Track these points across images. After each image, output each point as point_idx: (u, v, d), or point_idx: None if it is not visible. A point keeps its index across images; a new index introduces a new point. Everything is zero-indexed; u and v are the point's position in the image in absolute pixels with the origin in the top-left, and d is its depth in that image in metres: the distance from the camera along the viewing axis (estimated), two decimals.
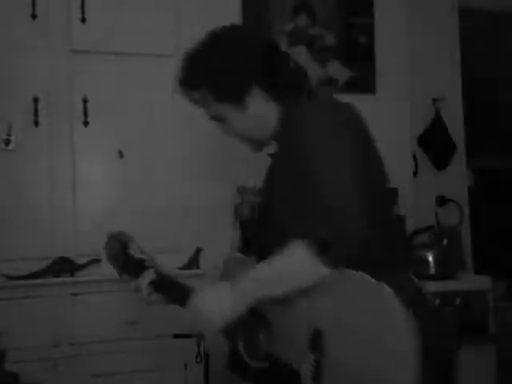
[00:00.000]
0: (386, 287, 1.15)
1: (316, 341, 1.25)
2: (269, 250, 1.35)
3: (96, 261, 2.66)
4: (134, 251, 1.82)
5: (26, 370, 2.26)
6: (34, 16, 2.64)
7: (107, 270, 2.69)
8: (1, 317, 2.41)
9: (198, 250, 2.81)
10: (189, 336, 2.70)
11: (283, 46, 3.06)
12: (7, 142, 2.60)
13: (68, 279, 2.59)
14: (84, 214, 2.70)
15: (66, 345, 2.55)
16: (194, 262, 2.80)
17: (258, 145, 1.61)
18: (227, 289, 1.40)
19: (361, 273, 1.19)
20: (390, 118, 3.20)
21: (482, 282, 2.99)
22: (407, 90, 3.25)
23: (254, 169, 2.97)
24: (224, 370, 2.84)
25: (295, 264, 1.27)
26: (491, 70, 3.76)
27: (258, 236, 1.62)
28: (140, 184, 2.78)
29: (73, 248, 2.65)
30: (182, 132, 2.85)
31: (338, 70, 3.14)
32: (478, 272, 3.39)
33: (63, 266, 2.60)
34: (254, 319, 1.45)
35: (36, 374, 2.40)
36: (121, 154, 2.75)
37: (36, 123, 2.64)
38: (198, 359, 2.72)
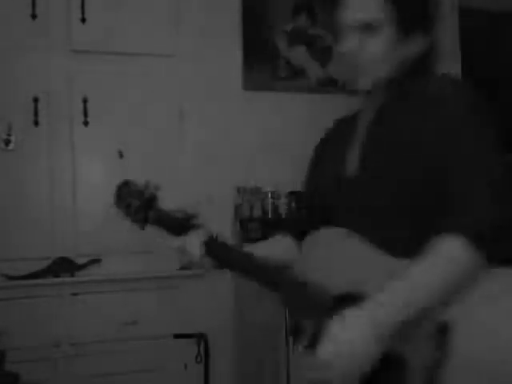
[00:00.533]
0: None
1: (440, 334, 1.08)
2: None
3: (96, 261, 2.67)
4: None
5: (26, 370, 2.26)
6: (33, 16, 2.64)
7: (107, 269, 2.70)
8: (1, 317, 2.41)
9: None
10: (189, 336, 2.71)
11: (283, 45, 3.06)
12: (7, 142, 2.60)
13: (68, 279, 2.59)
14: (84, 214, 2.70)
15: (66, 345, 2.55)
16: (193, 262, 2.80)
17: (370, 80, 1.34)
18: (373, 316, 1.07)
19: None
20: None
21: None
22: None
23: (254, 169, 2.98)
24: (225, 370, 2.84)
25: (459, 266, 1.07)
26: (491, 70, 3.76)
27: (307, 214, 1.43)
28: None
29: (73, 248, 2.65)
30: (182, 132, 2.85)
31: (338, 70, 3.14)
32: None
33: (63, 266, 2.60)
34: None
35: (36, 374, 2.40)
36: (121, 154, 2.75)
37: (36, 123, 2.64)
38: (198, 359, 2.73)
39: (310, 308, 1.19)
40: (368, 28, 1.26)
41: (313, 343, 1.12)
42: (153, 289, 2.71)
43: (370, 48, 1.27)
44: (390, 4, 1.25)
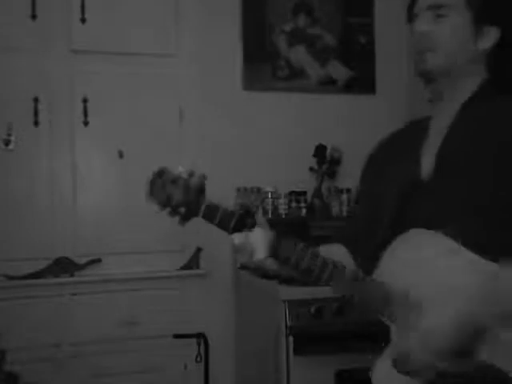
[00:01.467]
0: None
1: None
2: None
3: (96, 261, 2.67)
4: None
5: (26, 370, 2.26)
6: (33, 16, 2.64)
7: (107, 269, 2.69)
8: (1, 317, 2.41)
9: (198, 250, 2.81)
10: (189, 336, 2.71)
11: (283, 45, 3.06)
12: (7, 142, 2.60)
13: (68, 279, 2.60)
14: (84, 214, 2.70)
15: (66, 345, 2.55)
16: (194, 262, 2.80)
17: (442, 68, 1.28)
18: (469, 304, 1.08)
19: None
20: (390, 117, 3.19)
21: None
22: (407, 89, 3.25)
23: (254, 169, 2.98)
24: (225, 370, 2.84)
25: None
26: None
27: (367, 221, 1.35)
28: (140, 184, 2.77)
29: (73, 248, 2.65)
30: (182, 132, 2.85)
31: (338, 70, 3.14)
32: None
33: (63, 266, 2.60)
34: None
35: (36, 374, 2.40)
36: (121, 154, 2.75)
37: (36, 123, 2.64)
38: (198, 359, 2.73)
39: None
40: (440, 10, 1.24)
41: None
42: (153, 289, 2.71)
43: (441, 30, 1.24)
44: None
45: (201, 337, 2.73)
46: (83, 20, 2.70)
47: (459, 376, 1.11)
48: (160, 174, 1.36)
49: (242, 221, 1.30)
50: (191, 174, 1.33)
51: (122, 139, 2.76)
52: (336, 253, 1.32)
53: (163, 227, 2.77)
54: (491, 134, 1.18)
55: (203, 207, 1.32)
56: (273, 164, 3.00)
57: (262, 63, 3.02)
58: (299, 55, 3.08)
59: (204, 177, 1.35)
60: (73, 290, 2.59)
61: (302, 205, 2.92)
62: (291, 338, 2.30)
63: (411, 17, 1.29)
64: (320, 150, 3.00)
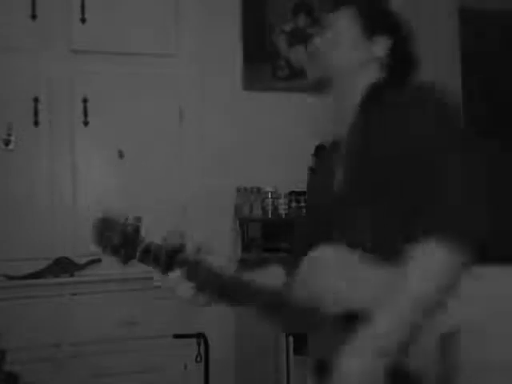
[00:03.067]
0: None
1: (447, 343, 1.10)
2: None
3: (96, 261, 2.67)
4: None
5: (26, 370, 2.26)
6: (33, 16, 2.64)
7: (107, 269, 2.69)
8: (1, 317, 2.41)
9: (198, 250, 2.81)
10: (189, 336, 2.71)
11: (283, 45, 3.06)
12: (7, 142, 2.60)
13: (68, 279, 2.59)
14: (84, 214, 2.69)
15: (66, 345, 2.55)
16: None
17: (343, 94, 1.45)
18: (373, 341, 1.09)
19: (490, 267, 1.09)
20: None
21: None
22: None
23: (254, 169, 2.98)
24: (225, 370, 2.84)
25: (441, 268, 1.08)
26: (491, 70, 3.76)
27: (308, 234, 1.41)
28: (140, 184, 2.78)
29: (73, 248, 2.65)
30: (182, 132, 2.85)
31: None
32: None
33: (63, 266, 2.60)
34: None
35: (36, 374, 2.40)
36: (121, 154, 2.75)
37: (36, 123, 2.64)
38: (198, 359, 2.73)
39: (312, 326, 1.19)
40: (337, 42, 1.38)
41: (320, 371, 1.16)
42: (153, 289, 2.70)
43: (340, 59, 1.37)
44: (352, 8, 1.39)
45: (201, 337, 2.73)
46: (83, 20, 2.70)
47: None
48: (101, 221, 1.41)
49: (169, 263, 1.41)
50: (126, 219, 1.42)
51: (122, 139, 2.76)
52: (271, 275, 1.40)
53: (163, 227, 2.77)
54: (383, 139, 1.22)
55: (139, 251, 1.41)
56: (273, 164, 3.00)
57: (262, 63, 3.03)
58: (299, 55, 3.08)
59: (139, 220, 1.45)
60: (73, 290, 2.59)
61: (302, 205, 2.92)
62: (291, 338, 2.30)
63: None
64: (320, 150, 3.00)
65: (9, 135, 2.60)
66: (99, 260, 2.67)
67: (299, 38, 3.09)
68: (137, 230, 1.43)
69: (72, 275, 2.61)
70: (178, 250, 1.41)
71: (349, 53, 1.36)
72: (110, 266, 2.73)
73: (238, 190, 2.90)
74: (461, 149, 1.17)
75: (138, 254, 1.42)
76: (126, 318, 2.62)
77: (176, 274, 1.38)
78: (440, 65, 3.46)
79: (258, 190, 2.90)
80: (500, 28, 3.83)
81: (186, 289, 1.36)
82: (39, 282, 2.55)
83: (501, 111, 3.81)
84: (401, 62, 1.38)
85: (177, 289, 1.38)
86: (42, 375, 2.45)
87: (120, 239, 1.39)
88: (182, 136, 2.85)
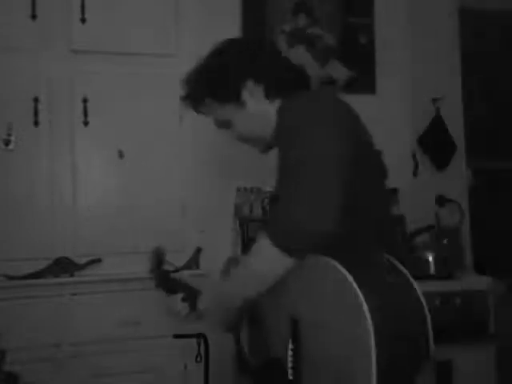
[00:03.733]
0: (342, 269, 1.16)
1: (293, 330, 1.26)
2: None
3: (96, 261, 2.67)
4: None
5: (26, 370, 2.26)
6: (33, 16, 2.64)
7: (107, 269, 2.69)
8: (1, 317, 2.41)
9: (198, 250, 2.81)
10: (189, 336, 2.71)
11: (283, 46, 3.06)
12: (7, 142, 2.60)
13: (68, 279, 2.59)
14: (84, 214, 2.70)
15: (66, 345, 2.55)
16: (193, 262, 2.80)
17: (265, 145, 1.69)
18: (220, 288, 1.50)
19: (327, 259, 1.20)
20: (390, 117, 3.20)
21: (482, 282, 2.99)
22: (407, 89, 3.25)
23: (254, 169, 2.98)
24: (225, 370, 2.84)
25: (261, 259, 1.29)
26: (491, 70, 3.76)
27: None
28: (140, 184, 2.78)
29: (73, 248, 2.65)
30: (182, 132, 2.85)
31: (338, 70, 3.14)
32: (478, 272, 3.39)
33: (63, 266, 2.60)
34: (254, 317, 1.46)
35: (36, 374, 2.40)
36: (121, 154, 2.75)
37: (36, 123, 2.64)
38: (198, 359, 2.72)
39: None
40: (226, 124, 1.64)
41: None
42: (153, 289, 2.70)
43: (238, 132, 1.64)
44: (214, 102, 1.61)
45: (201, 337, 2.73)
46: (83, 20, 2.70)
47: (258, 369, 1.46)
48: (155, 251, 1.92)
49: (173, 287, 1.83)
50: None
51: (122, 139, 2.76)
52: None
53: (163, 227, 2.78)
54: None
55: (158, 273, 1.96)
56: (273, 164, 3.00)
57: None
58: (299, 55, 3.08)
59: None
60: (73, 290, 2.59)
61: None
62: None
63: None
64: None
65: (9, 135, 2.60)
66: (99, 260, 2.67)
67: (299, 37, 3.09)
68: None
69: (72, 275, 2.61)
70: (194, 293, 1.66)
71: (235, 128, 1.62)
72: (110, 266, 2.75)
73: (238, 190, 2.90)
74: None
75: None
76: (126, 318, 2.62)
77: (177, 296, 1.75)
78: (440, 65, 3.46)
79: (258, 190, 2.90)
80: (500, 28, 3.83)
81: (183, 307, 1.70)
82: (39, 282, 2.55)
83: (501, 111, 3.81)
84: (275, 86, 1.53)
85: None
86: (42, 375, 2.45)
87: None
88: (182, 136, 2.85)
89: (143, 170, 2.78)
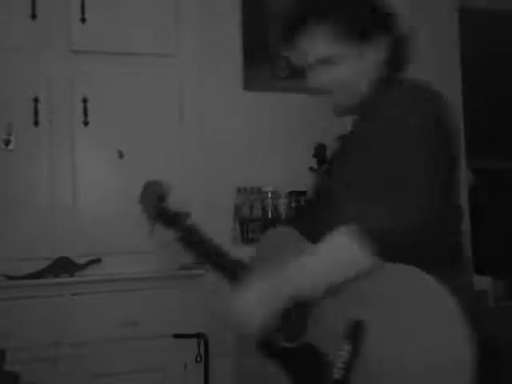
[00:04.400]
0: (437, 283, 1.11)
1: (355, 332, 1.20)
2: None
3: (96, 261, 2.67)
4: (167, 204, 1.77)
5: (26, 370, 2.26)
6: (33, 16, 2.64)
7: (107, 269, 2.69)
8: (1, 317, 2.41)
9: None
10: (189, 336, 2.71)
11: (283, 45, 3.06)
12: (7, 142, 2.60)
13: (68, 279, 2.59)
14: (84, 214, 2.70)
15: (66, 345, 2.55)
16: (194, 262, 2.80)
17: (344, 107, 1.53)
18: (267, 285, 1.31)
19: (412, 267, 1.14)
20: None
21: (482, 282, 2.99)
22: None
23: (254, 169, 2.98)
24: (225, 370, 2.84)
25: (339, 254, 1.21)
26: (491, 71, 3.77)
27: (312, 221, 1.51)
28: (140, 184, 2.77)
29: (73, 248, 2.65)
30: (182, 132, 2.85)
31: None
32: (477, 272, 3.39)
33: (63, 266, 2.60)
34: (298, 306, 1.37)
35: (36, 374, 2.40)
36: (121, 154, 2.75)
37: (36, 123, 2.64)
38: (198, 359, 2.73)
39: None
40: (326, 61, 1.43)
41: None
42: (153, 289, 2.71)
43: (337, 75, 1.44)
44: (339, 30, 1.35)
45: (201, 337, 2.73)
46: (83, 20, 2.70)
47: (292, 351, 1.39)
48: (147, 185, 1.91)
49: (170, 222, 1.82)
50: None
51: (121, 139, 2.76)
52: None
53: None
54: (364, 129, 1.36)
55: (155, 209, 1.90)
56: (273, 164, 3.00)
57: (262, 63, 3.03)
58: (299, 55, 3.08)
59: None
60: (73, 290, 2.59)
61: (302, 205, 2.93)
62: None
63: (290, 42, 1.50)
64: (320, 150, 3.00)
65: (9, 135, 2.60)
66: (99, 260, 2.67)
67: None
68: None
69: (72, 275, 2.61)
70: (177, 214, 1.73)
71: (337, 71, 1.42)
72: (110, 266, 2.75)
73: (238, 190, 2.90)
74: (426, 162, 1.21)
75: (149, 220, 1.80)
76: (126, 318, 2.62)
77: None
78: (440, 65, 3.46)
79: (258, 190, 2.90)
80: (500, 28, 3.83)
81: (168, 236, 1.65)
82: (39, 281, 2.55)
83: (501, 111, 3.81)
84: (396, 59, 1.44)
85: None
86: (42, 375, 2.45)
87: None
88: (182, 136, 2.85)
89: (143, 170, 2.78)
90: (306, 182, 3.00)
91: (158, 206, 1.83)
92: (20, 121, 2.62)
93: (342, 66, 1.39)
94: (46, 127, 2.66)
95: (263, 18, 3.04)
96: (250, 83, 3.00)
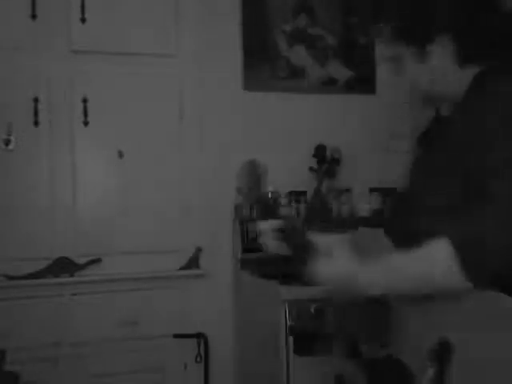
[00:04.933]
0: None
1: (442, 352, 1.16)
2: (407, 240, 1.23)
3: (96, 261, 2.67)
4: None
5: (26, 370, 2.26)
6: (33, 16, 2.64)
7: (107, 269, 2.70)
8: (1, 317, 2.41)
9: (198, 250, 2.81)
10: (189, 336, 2.71)
11: (283, 45, 3.06)
12: (7, 142, 2.60)
13: (68, 279, 2.60)
14: (84, 214, 2.70)
15: (66, 345, 2.55)
16: (193, 262, 2.80)
17: (431, 101, 1.47)
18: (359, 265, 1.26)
19: (501, 294, 1.09)
20: (390, 117, 3.20)
21: None
22: (407, 89, 3.25)
23: None
24: (225, 370, 2.84)
25: (435, 265, 1.14)
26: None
27: (395, 222, 1.45)
28: (140, 184, 2.78)
29: (73, 248, 2.65)
30: (182, 132, 2.85)
31: (338, 70, 3.14)
32: None
33: (63, 266, 2.60)
34: (381, 310, 1.34)
35: (36, 374, 2.40)
36: (121, 154, 2.75)
37: (36, 123, 2.64)
38: (198, 359, 2.73)
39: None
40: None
41: None
42: (153, 289, 2.71)
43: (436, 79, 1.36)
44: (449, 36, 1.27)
45: (201, 337, 2.73)
46: (83, 20, 2.70)
47: (370, 360, 1.33)
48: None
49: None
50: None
51: (121, 139, 2.76)
52: None
53: (163, 227, 2.78)
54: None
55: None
56: (273, 164, 3.00)
57: (262, 63, 3.02)
58: (299, 55, 3.08)
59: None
60: (73, 290, 2.59)
61: (302, 205, 2.92)
62: (291, 338, 2.29)
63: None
64: (320, 150, 3.00)
65: (9, 135, 2.60)
66: (99, 260, 2.67)
67: (299, 37, 3.09)
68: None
69: (72, 275, 2.61)
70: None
71: (452, 83, 1.32)
72: (110, 266, 2.75)
73: (238, 190, 2.89)
74: None
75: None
76: (126, 318, 2.62)
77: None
78: None
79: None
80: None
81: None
82: (39, 281, 2.55)
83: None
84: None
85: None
86: (42, 375, 2.45)
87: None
88: (182, 136, 2.85)
89: (143, 169, 2.78)
90: (306, 181, 3.01)
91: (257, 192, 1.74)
92: (20, 121, 2.62)
93: (411, 68, 1.43)
94: (45, 127, 2.66)
95: (263, 17, 3.04)
96: (250, 83, 3.00)
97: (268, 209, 1.65)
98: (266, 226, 1.52)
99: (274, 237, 1.50)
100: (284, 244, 1.49)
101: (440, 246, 1.12)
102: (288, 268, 1.68)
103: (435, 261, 1.14)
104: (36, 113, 2.63)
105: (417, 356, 1.20)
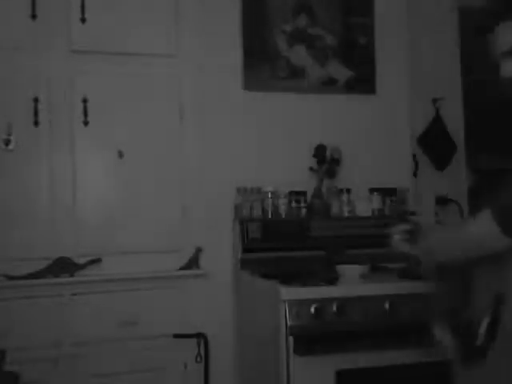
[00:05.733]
0: None
1: (496, 304, 1.35)
2: None
3: (96, 261, 2.67)
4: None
5: (26, 370, 2.26)
6: (33, 16, 2.64)
7: (107, 269, 2.69)
8: (1, 317, 2.41)
9: (198, 250, 2.81)
10: (189, 336, 2.71)
11: (283, 45, 3.06)
12: (7, 142, 2.60)
13: (68, 279, 2.60)
14: (84, 214, 2.70)
15: (66, 345, 2.55)
16: (194, 262, 2.80)
17: None
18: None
19: None
20: (390, 118, 3.20)
21: None
22: (407, 90, 3.25)
23: (254, 169, 2.98)
24: (225, 370, 2.84)
25: (479, 232, 1.37)
26: (491, 70, 3.76)
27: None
28: (140, 184, 2.78)
29: (73, 248, 2.65)
30: (182, 132, 2.85)
31: (338, 70, 3.14)
32: None
33: (63, 266, 2.60)
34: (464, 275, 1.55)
35: (36, 373, 2.40)
36: (121, 154, 2.75)
37: (36, 123, 2.64)
38: (198, 359, 2.73)
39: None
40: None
41: None
42: (153, 289, 2.71)
43: None
44: None
45: (201, 337, 2.73)
46: (83, 20, 2.70)
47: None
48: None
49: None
50: None
51: (121, 139, 2.76)
52: None
53: (163, 227, 2.78)
54: None
55: None
56: (273, 164, 3.00)
57: (262, 63, 3.02)
58: (299, 55, 3.08)
59: None
60: (73, 290, 2.59)
61: (302, 205, 2.92)
62: (291, 338, 2.29)
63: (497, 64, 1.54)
64: (320, 150, 3.00)
65: (9, 135, 2.60)
66: (99, 260, 2.67)
67: (299, 37, 3.09)
68: None
69: (72, 275, 2.61)
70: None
71: None
72: (110, 266, 2.75)
73: (238, 190, 2.90)
74: None
75: None
76: (126, 318, 2.62)
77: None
78: (440, 64, 3.46)
79: (258, 190, 2.90)
80: None
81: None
82: (39, 281, 2.55)
83: (501, 111, 3.81)
84: None
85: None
86: (42, 375, 2.45)
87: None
88: (182, 136, 2.85)
89: (143, 169, 2.78)
90: (306, 181, 3.01)
91: None
92: (20, 121, 2.62)
93: None
94: (45, 127, 2.66)
95: (263, 18, 3.04)
96: (250, 83, 3.00)
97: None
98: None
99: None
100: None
101: (485, 216, 1.35)
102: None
103: (476, 228, 1.37)
104: (36, 113, 2.63)
105: (478, 308, 1.39)
